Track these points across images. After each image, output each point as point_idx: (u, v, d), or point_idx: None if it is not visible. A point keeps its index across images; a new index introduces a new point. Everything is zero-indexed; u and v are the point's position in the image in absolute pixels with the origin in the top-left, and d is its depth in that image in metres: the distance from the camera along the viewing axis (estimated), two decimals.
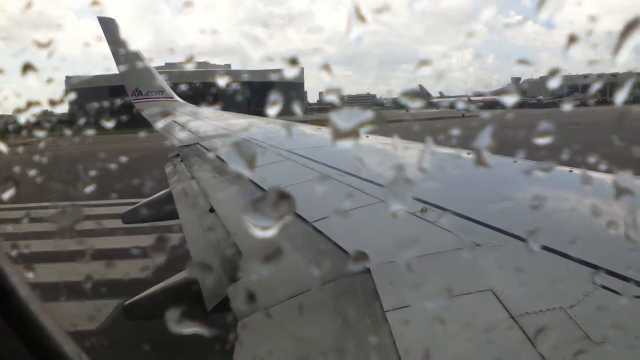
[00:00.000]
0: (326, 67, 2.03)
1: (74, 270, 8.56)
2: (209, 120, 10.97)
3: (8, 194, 2.16)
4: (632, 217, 2.67)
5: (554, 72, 2.08)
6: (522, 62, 2.23)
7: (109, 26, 14.22)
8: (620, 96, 1.87)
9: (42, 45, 2.55)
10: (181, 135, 9.35)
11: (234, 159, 2.01)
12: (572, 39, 1.83)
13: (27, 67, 2.25)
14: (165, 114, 13.05)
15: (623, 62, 1.55)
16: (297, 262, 2.68)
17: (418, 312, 1.93)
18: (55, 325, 1.19)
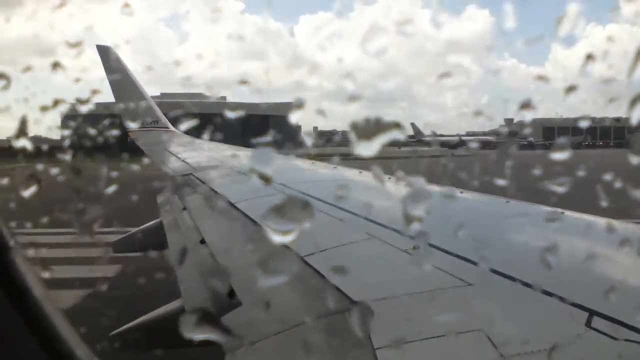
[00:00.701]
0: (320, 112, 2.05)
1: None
2: (203, 152, 10.98)
3: None
4: (623, 261, 2.68)
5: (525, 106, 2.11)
6: (525, 106, 2.25)
7: (106, 54, 14.33)
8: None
9: (73, 45, 2.56)
10: (175, 165, 9.34)
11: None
12: (571, 89, 1.86)
13: (56, 65, 2.25)
14: (159, 143, 13.06)
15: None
16: (287, 297, 2.66)
17: (408, 350, 1.92)
18: (68, 327, 1.19)
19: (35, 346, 1.13)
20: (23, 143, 2.23)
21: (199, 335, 1.94)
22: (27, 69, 2.64)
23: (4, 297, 1.11)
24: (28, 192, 2.08)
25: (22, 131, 2.14)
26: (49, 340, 1.15)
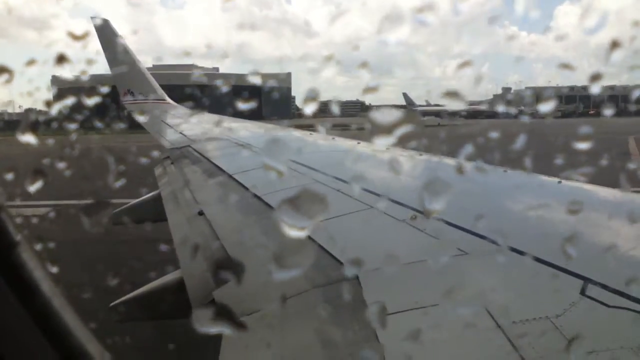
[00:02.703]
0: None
1: None
2: (200, 123, 10.94)
3: None
4: (618, 228, 2.70)
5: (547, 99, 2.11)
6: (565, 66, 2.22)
7: (102, 27, 14.15)
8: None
9: (77, 38, 2.53)
10: (172, 137, 9.31)
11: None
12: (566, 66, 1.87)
13: (61, 59, 2.23)
14: (156, 116, 13.00)
15: None
16: (285, 267, 2.68)
17: (405, 319, 1.94)
18: (78, 323, 1.19)
19: (45, 343, 1.13)
20: (28, 139, 2.23)
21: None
22: (31, 62, 2.61)
23: (12, 294, 1.11)
24: (34, 187, 2.08)
25: (27, 127, 2.14)
26: (59, 337, 1.14)
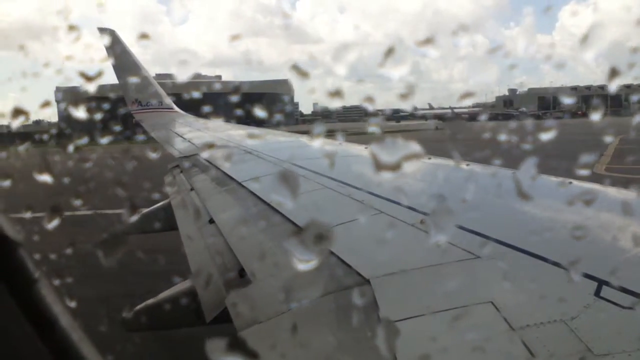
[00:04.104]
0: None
1: None
2: (208, 131, 10.98)
3: None
4: (630, 229, 2.68)
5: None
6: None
7: (108, 37, 14.25)
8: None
9: (89, 79, 2.53)
10: (180, 146, 9.34)
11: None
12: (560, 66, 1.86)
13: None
14: (164, 124, 13.07)
15: None
16: (296, 274, 2.67)
17: (417, 324, 1.93)
18: (97, 356, 1.20)
19: None
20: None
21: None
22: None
23: (32, 330, 1.12)
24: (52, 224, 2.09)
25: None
26: None
